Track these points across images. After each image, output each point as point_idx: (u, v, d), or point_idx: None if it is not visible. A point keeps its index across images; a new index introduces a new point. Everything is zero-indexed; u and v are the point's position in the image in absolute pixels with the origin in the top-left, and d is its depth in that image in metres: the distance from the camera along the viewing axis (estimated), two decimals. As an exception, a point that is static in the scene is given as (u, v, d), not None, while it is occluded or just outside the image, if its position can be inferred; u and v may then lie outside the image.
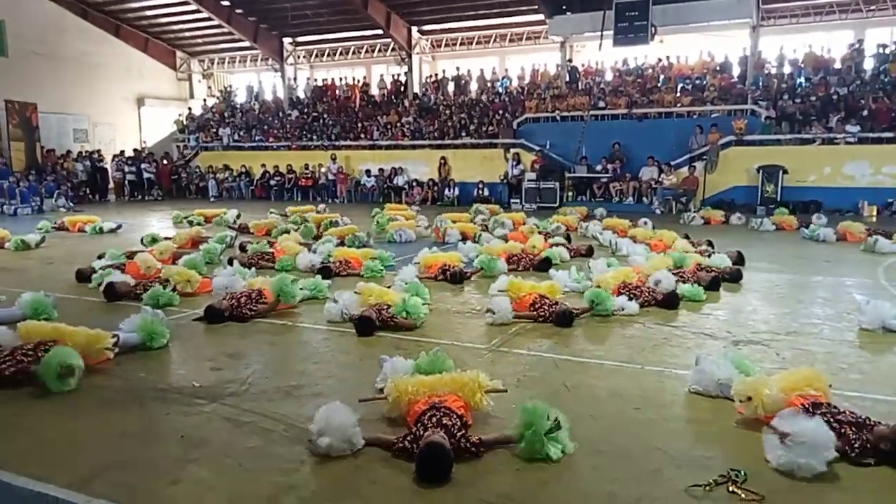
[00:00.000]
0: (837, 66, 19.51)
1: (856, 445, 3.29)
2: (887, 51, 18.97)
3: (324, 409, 3.46)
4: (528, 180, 18.95)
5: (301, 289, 6.88)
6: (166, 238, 10.56)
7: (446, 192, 20.55)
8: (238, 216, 14.49)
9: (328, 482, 3.16)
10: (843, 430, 3.36)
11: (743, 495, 2.98)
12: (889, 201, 15.76)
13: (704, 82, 20.50)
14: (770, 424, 3.39)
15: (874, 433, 3.32)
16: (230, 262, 8.42)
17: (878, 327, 5.60)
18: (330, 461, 3.34)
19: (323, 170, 22.56)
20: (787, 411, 3.45)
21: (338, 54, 28.42)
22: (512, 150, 20.05)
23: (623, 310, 6.30)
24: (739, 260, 8.72)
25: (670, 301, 6.57)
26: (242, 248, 10.04)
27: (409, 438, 3.35)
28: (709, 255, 8.38)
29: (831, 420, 3.43)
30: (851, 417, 3.46)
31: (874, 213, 15.25)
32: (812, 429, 3.20)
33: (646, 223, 12.30)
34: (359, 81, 27.30)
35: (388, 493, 3.03)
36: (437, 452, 3.13)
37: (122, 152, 24.30)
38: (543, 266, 8.41)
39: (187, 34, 28.27)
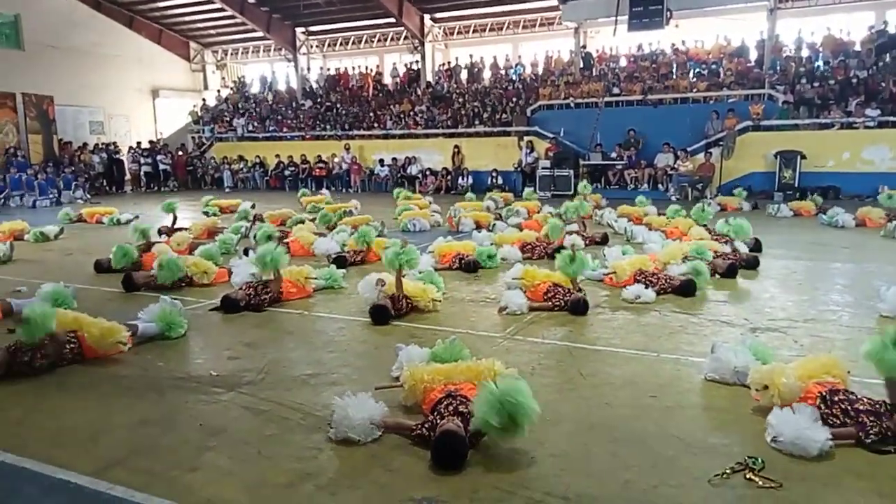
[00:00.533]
0: (857, 48, 19.16)
1: (872, 432, 3.26)
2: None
3: (346, 401, 3.48)
4: (543, 168, 18.84)
5: (315, 279, 6.93)
6: (178, 229, 10.60)
7: (460, 180, 20.50)
8: (252, 206, 14.54)
9: (346, 469, 3.18)
10: (860, 419, 3.34)
11: (760, 482, 2.97)
12: (910, 186, 15.50)
13: (721, 67, 20.24)
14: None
15: (893, 420, 3.29)
16: (246, 253, 8.47)
17: (898, 314, 5.54)
18: (347, 449, 3.37)
19: (336, 159, 22.59)
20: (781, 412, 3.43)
21: (350, 43, 28.37)
22: (525, 138, 19.94)
23: (639, 298, 6.28)
24: (756, 247, 8.64)
25: (687, 288, 6.53)
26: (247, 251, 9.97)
27: (426, 426, 3.37)
28: (726, 242, 8.28)
29: (848, 408, 3.40)
30: (869, 405, 3.43)
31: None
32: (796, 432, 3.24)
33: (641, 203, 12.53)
34: (371, 70, 27.26)
35: (405, 481, 3.06)
36: (453, 440, 3.15)
37: (139, 144, 24.50)
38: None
39: (200, 25, 28.32)
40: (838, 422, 3.42)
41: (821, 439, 3.20)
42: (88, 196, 19.84)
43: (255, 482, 3.07)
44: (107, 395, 4.20)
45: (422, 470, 3.15)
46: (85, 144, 23.48)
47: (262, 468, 3.20)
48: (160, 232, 10.63)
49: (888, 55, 18.20)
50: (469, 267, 7.87)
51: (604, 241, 9.75)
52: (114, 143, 24.04)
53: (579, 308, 5.88)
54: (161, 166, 23.87)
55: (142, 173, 23.80)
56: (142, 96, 27.58)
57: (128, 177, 23.98)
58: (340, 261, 8.11)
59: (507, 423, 3.15)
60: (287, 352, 5.07)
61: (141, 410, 3.93)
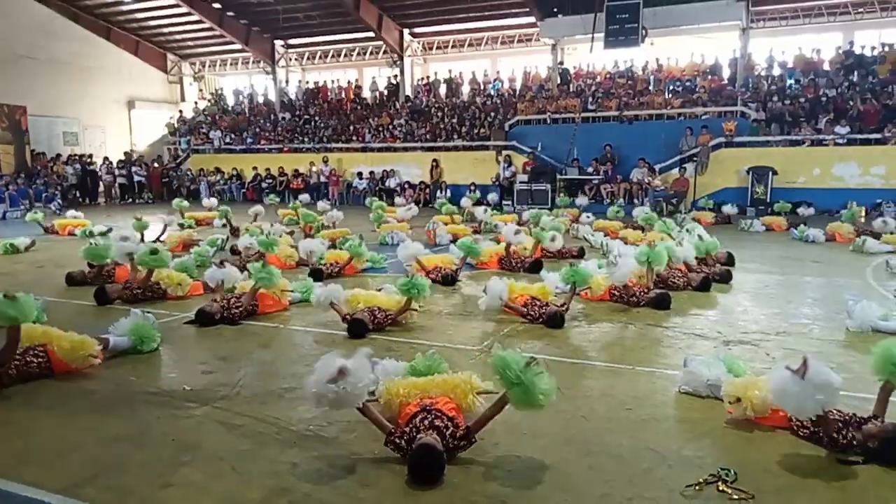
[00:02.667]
0: (826, 68, 19.65)
1: (843, 443, 3.32)
2: (875, 53, 19.13)
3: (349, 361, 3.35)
4: (520, 182, 18.99)
5: (291, 291, 6.89)
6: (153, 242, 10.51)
7: (438, 194, 20.55)
8: (227, 212, 14.45)
9: (321, 485, 3.16)
10: (832, 426, 3.40)
11: (733, 494, 3.00)
12: (877, 202, 15.88)
13: (695, 84, 20.62)
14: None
15: (863, 431, 3.36)
16: (221, 265, 8.39)
17: (867, 329, 5.65)
18: (323, 464, 3.34)
19: (315, 168, 22.49)
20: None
21: (329, 57, 28.42)
22: (504, 152, 20.09)
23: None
24: (729, 261, 8.78)
25: (662, 301, 6.61)
26: (234, 251, 10.01)
27: (404, 438, 3.35)
28: (679, 243, 8.32)
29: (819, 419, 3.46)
30: (839, 416, 3.49)
31: (863, 213, 15.36)
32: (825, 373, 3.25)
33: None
34: (351, 84, 27.30)
35: (380, 496, 3.04)
36: (430, 454, 3.14)
37: (105, 159, 23.98)
38: (535, 268, 8.43)
39: (178, 37, 28.19)
40: (808, 431, 3.48)
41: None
42: (60, 203, 19.53)
43: (229, 498, 3.03)
44: (77, 411, 4.12)
45: (398, 485, 3.14)
46: (58, 155, 23.20)
47: (237, 484, 3.16)
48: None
49: (855, 75, 18.69)
50: (447, 280, 7.88)
51: (580, 255, 9.82)
52: (89, 155, 23.71)
53: (555, 321, 5.91)
54: (136, 178, 23.61)
55: (116, 185, 23.50)
56: (118, 107, 27.32)
57: (101, 188, 23.66)
58: (317, 274, 8.07)
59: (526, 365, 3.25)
60: (262, 365, 5.02)
61: (112, 426, 3.86)
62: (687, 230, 9.79)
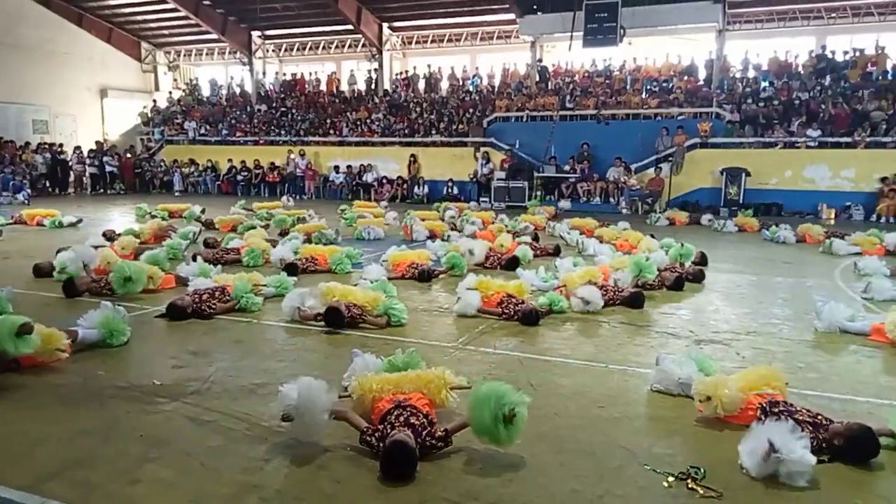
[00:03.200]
0: (800, 71, 19.97)
1: (812, 444, 3.38)
2: (847, 57, 19.49)
3: (299, 385, 3.42)
4: (498, 179, 19.03)
5: (265, 286, 6.83)
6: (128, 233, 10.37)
7: (416, 189, 20.52)
8: (202, 211, 14.27)
9: (292, 481, 3.13)
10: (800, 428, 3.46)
11: (702, 492, 3.04)
12: (846, 205, 16.20)
13: (671, 85, 20.82)
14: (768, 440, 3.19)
15: (829, 430, 3.42)
16: (194, 258, 8.30)
17: (834, 330, 5.76)
18: (294, 460, 3.32)
19: (292, 156, 22.27)
20: (777, 426, 3.33)
21: (307, 49, 28.17)
22: (482, 149, 20.11)
23: (588, 304, 6.35)
24: (702, 261, 8.88)
25: (635, 300, 6.66)
26: (207, 245, 9.89)
27: (376, 435, 3.34)
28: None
29: (789, 419, 3.52)
30: (808, 416, 3.55)
31: (833, 215, 15.68)
32: (799, 455, 3.11)
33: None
34: (334, 76, 27.08)
35: (352, 493, 3.02)
36: (403, 451, 3.13)
37: (78, 148, 23.45)
38: (511, 265, 8.45)
39: (153, 25, 27.71)
40: None
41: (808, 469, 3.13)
42: (28, 192, 19.12)
43: (197, 495, 2.99)
44: (43, 405, 4.04)
45: (369, 481, 3.12)
46: (27, 144, 22.65)
47: (206, 480, 3.12)
48: (105, 236, 10.31)
49: (827, 79, 19.03)
50: (423, 276, 7.87)
51: (556, 252, 9.88)
52: (59, 144, 23.21)
53: (531, 318, 5.93)
54: (108, 168, 23.19)
55: (87, 175, 23.05)
56: (90, 96, 26.77)
57: (72, 178, 23.18)
58: (292, 268, 8.01)
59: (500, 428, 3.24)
60: (234, 361, 4.96)
61: (79, 420, 3.79)
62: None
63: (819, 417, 3.54)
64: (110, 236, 10.33)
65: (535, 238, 11.00)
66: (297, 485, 3.10)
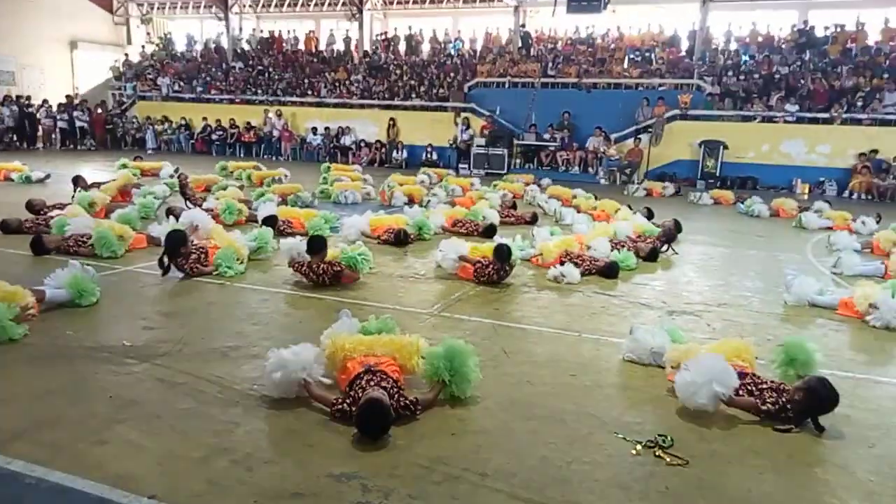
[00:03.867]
0: (781, 45, 19.98)
1: (769, 402, 3.50)
2: (827, 33, 19.53)
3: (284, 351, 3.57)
4: (477, 146, 18.89)
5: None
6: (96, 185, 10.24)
7: (394, 154, 20.31)
8: (177, 170, 13.99)
9: (263, 445, 3.12)
10: (764, 395, 3.54)
11: (668, 459, 3.09)
12: (820, 180, 16.41)
13: (653, 55, 20.72)
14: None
15: (790, 391, 3.51)
16: (168, 214, 8.18)
17: (803, 303, 5.86)
18: (265, 424, 3.32)
19: (269, 116, 21.85)
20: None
21: (286, 5, 27.45)
22: (462, 115, 19.91)
23: (563, 277, 6.40)
24: (677, 228, 8.97)
25: (610, 270, 6.71)
26: (171, 212, 9.39)
27: (347, 401, 3.34)
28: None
29: (752, 388, 3.60)
30: (772, 384, 3.64)
31: (807, 190, 15.87)
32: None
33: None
34: (311, 33, 26.47)
35: (324, 457, 3.02)
36: (379, 407, 3.16)
37: (46, 102, 22.66)
38: (488, 233, 8.44)
39: (125, -25, 26.75)
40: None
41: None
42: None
43: (167, 457, 2.97)
44: (8, 364, 3.96)
45: (341, 445, 3.13)
46: (-7, 95, 21.89)
47: (176, 442, 3.10)
48: (75, 182, 10.22)
49: (808, 54, 19.08)
50: (399, 238, 7.83)
51: (533, 220, 9.88)
52: (27, 97, 22.45)
53: (502, 254, 6.13)
54: (78, 123, 22.53)
55: (57, 130, 22.40)
56: (59, 47, 25.83)
57: (41, 133, 22.50)
58: (271, 220, 7.89)
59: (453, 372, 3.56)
60: (206, 323, 4.91)
61: (46, 381, 3.73)
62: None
63: (782, 386, 3.63)
64: (83, 185, 10.13)
65: (513, 206, 10.99)
66: (268, 448, 3.09)
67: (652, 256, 7.57)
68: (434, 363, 3.60)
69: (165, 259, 5.98)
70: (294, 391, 3.54)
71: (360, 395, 3.30)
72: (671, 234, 8.20)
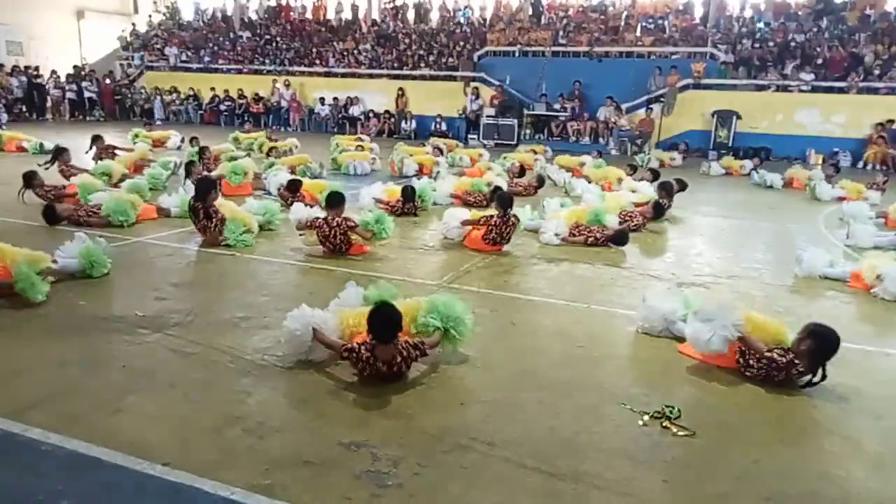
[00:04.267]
0: (798, 12, 19.57)
1: (783, 359, 3.54)
2: (845, -1, 19.13)
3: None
4: (487, 116, 18.73)
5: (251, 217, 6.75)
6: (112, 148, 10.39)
7: (403, 124, 20.19)
8: (193, 140, 13.98)
9: (275, 414, 3.16)
10: (773, 351, 3.61)
11: (675, 430, 3.11)
12: (834, 150, 16.19)
13: (666, 22, 20.36)
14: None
15: (795, 345, 3.61)
16: (187, 174, 8.41)
17: (814, 276, 5.83)
18: (276, 393, 3.36)
19: (277, 86, 21.73)
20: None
21: (293, -27, 27.05)
22: (472, 84, 19.70)
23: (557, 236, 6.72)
24: (682, 188, 9.05)
25: (621, 238, 6.70)
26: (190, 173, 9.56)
27: (355, 345, 3.49)
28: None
29: (761, 357, 3.62)
30: (779, 351, 3.63)
31: (820, 161, 15.68)
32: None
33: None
34: (314, 3, 26.15)
35: (334, 426, 3.06)
36: (388, 307, 3.48)
37: (54, 72, 22.55)
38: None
39: (131, -58, 26.42)
40: (754, 371, 3.62)
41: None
42: (5, 118, 18.61)
43: (180, 425, 3.02)
44: (24, 335, 4.02)
45: (351, 415, 3.17)
46: (1, 66, 21.85)
47: (188, 411, 3.15)
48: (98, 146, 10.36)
49: (825, 20, 18.69)
50: (407, 195, 7.97)
51: (540, 184, 9.90)
52: (35, 68, 22.39)
53: (504, 200, 6.35)
54: (86, 94, 22.51)
55: (66, 101, 22.38)
56: (65, 17, 25.68)
57: (49, 104, 22.50)
58: (295, 184, 8.17)
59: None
60: (217, 294, 4.95)
61: (61, 351, 3.78)
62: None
63: (786, 348, 3.66)
64: (101, 147, 10.34)
65: (522, 174, 10.92)
66: (279, 417, 3.13)
67: (658, 213, 7.80)
68: (423, 319, 3.77)
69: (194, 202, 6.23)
70: (307, 347, 3.63)
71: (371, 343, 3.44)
72: (670, 189, 8.43)
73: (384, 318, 3.42)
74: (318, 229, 6.03)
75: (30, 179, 7.81)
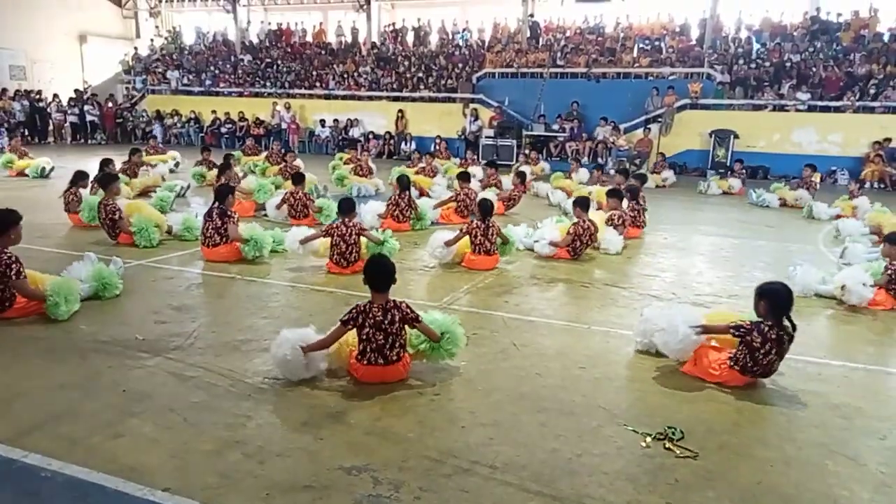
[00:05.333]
0: (793, 32, 19.75)
1: (747, 325, 3.84)
2: (840, 19, 19.30)
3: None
4: (486, 137, 18.84)
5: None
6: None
7: (403, 145, 20.29)
8: (177, 164, 14.24)
9: (275, 437, 3.15)
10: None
11: (678, 452, 3.10)
12: (832, 169, 16.25)
13: (663, 43, 20.55)
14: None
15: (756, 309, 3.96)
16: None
17: (808, 293, 5.83)
18: (277, 417, 3.34)
19: (277, 109, 21.88)
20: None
21: (294, -2, 27.41)
22: (470, 105, 19.84)
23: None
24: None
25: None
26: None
27: (351, 311, 3.73)
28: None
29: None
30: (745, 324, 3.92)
31: (818, 179, 15.70)
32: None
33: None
34: (315, 27, 26.43)
35: (334, 449, 3.05)
36: (383, 257, 3.94)
37: (56, 96, 22.74)
38: (483, 209, 8.29)
39: (133, -32, 26.75)
40: (741, 359, 3.87)
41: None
42: (7, 142, 18.69)
43: (180, 449, 3.01)
44: (24, 357, 4.02)
45: (352, 439, 3.15)
46: (4, 90, 22.01)
47: (188, 435, 3.14)
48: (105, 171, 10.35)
49: (820, 41, 18.87)
50: (403, 183, 8.55)
51: (521, 179, 10.73)
52: (37, 91, 22.57)
53: (485, 208, 6.59)
54: (88, 117, 22.64)
55: (67, 124, 22.52)
56: (68, 41, 25.92)
57: (52, 127, 22.63)
58: (299, 177, 8.88)
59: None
60: (217, 317, 4.95)
61: (61, 374, 3.77)
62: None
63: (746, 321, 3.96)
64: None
65: (522, 181, 11.02)
66: (280, 441, 3.12)
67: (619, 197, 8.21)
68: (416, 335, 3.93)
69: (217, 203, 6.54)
70: (302, 367, 3.69)
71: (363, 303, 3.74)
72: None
73: (378, 267, 3.80)
74: (332, 234, 6.16)
75: (108, 183, 7.57)
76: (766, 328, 3.78)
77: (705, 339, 4.00)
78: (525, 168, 13.11)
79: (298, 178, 8.77)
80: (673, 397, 3.74)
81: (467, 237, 6.55)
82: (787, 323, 3.80)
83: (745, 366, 3.82)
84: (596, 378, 3.97)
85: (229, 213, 6.55)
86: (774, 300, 3.83)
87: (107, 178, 7.38)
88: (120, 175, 10.24)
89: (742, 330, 3.81)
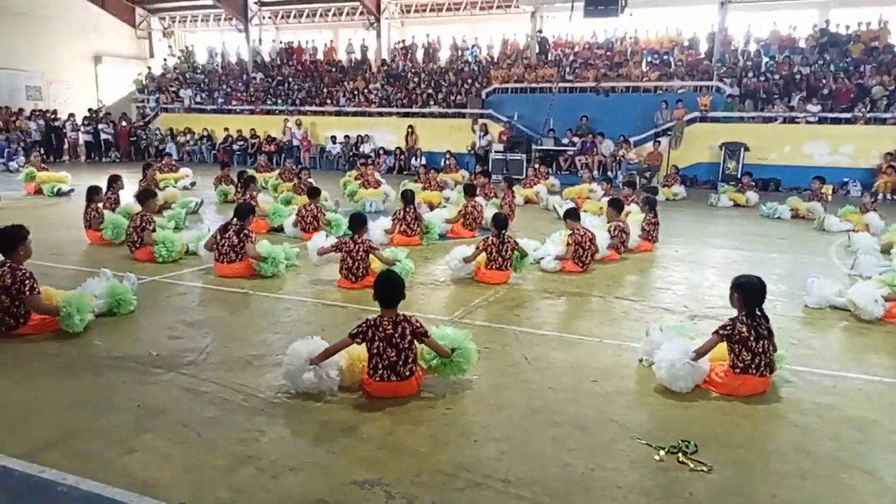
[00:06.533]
0: (802, 45, 19.76)
1: (730, 323, 3.94)
2: (850, 31, 19.28)
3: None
4: (496, 151, 18.91)
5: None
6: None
7: (413, 161, 20.39)
8: (193, 184, 14.37)
9: (288, 452, 3.16)
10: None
11: (691, 465, 3.08)
12: (844, 181, 16.16)
13: (672, 57, 20.59)
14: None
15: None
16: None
17: (824, 305, 5.80)
18: (289, 431, 3.36)
19: (289, 126, 22.10)
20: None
21: (304, 16, 27.72)
22: (480, 121, 19.93)
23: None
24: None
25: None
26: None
27: (360, 325, 3.79)
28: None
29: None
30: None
31: (830, 192, 15.62)
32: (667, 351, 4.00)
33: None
34: (326, 45, 26.71)
35: (347, 464, 3.05)
36: (392, 274, 4.02)
37: (72, 115, 23.03)
38: (497, 223, 8.34)
39: (147, -10, 27.20)
40: (738, 355, 3.95)
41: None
42: (24, 161, 18.97)
43: (194, 465, 3.03)
44: (39, 374, 4.06)
45: (365, 453, 3.16)
46: (21, 110, 22.36)
47: (202, 451, 3.15)
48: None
49: (830, 53, 18.84)
50: (406, 197, 8.57)
51: (510, 184, 10.78)
52: (53, 111, 22.90)
53: (499, 222, 6.61)
54: (103, 136, 22.94)
55: (82, 142, 22.82)
56: (83, 62, 26.34)
57: (67, 146, 22.94)
58: (315, 191, 9.04)
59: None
60: (230, 332, 4.98)
61: (76, 390, 3.81)
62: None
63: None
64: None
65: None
66: (293, 456, 3.13)
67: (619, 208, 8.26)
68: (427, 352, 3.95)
69: (236, 220, 6.66)
70: (316, 381, 3.71)
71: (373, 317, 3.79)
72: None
73: (387, 283, 3.86)
74: (341, 249, 6.24)
75: (146, 199, 7.75)
76: (745, 318, 3.93)
77: (709, 367, 4.02)
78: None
79: (314, 193, 8.96)
80: (686, 410, 3.72)
81: (484, 253, 6.56)
82: (759, 314, 3.95)
83: (746, 364, 3.86)
84: (608, 392, 3.95)
85: (247, 231, 6.63)
86: (747, 291, 3.97)
87: (145, 194, 7.67)
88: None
89: (727, 329, 3.92)
